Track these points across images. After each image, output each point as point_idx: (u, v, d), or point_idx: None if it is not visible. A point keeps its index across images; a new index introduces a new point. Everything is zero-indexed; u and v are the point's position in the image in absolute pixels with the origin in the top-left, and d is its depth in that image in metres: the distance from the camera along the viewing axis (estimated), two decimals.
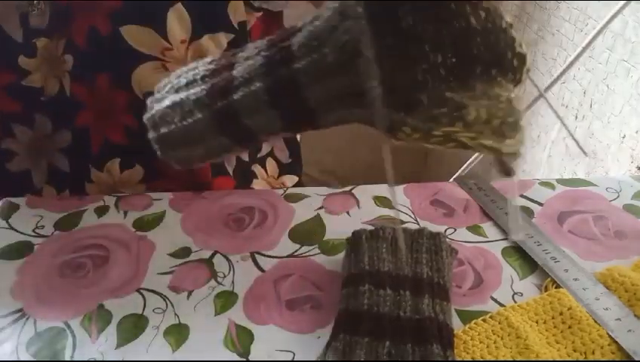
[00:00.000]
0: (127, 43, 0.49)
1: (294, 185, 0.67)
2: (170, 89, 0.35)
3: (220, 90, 0.32)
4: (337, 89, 0.30)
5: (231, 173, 0.58)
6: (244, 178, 0.61)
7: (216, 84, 0.33)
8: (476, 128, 0.29)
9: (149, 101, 0.37)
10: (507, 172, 0.31)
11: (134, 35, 0.49)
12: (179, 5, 0.49)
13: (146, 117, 0.37)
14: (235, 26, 0.52)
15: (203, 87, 0.33)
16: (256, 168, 0.63)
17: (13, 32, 0.49)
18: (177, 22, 0.49)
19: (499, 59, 0.30)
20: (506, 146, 0.30)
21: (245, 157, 0.61)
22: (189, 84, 0.34)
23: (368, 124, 0.31)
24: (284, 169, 0.66)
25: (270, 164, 0.65)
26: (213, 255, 0.45)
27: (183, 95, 0.34)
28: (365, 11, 0.28)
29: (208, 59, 0.35)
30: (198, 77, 0.34)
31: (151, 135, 0.36)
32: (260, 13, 0.57)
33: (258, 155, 0.63)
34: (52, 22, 0.49)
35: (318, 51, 0.30)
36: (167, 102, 0.35)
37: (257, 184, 0.62)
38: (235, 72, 0.32)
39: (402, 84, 0.29)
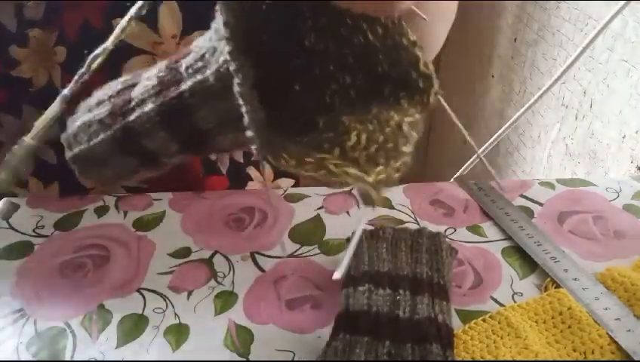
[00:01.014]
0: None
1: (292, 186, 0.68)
2: (85, 108, 0.35)
3: (119, 110, 0.32)
4: (222, 112, 0.29)
5: (224, 172, 0.59)
6: (238, 179, 0.61)
7: (117, 105, 0.32)
8: (351, 155, 0.28)
9: (68, 120, 0.36)
10: (367, 202, 0.29)
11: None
12: (171, 1, 0.49)
13: (62, 136, 0.36)
14: None
15: (107, 107, 0.33)
16: (251, 170, 0.63)
17: (7, 21, 0.50)
18: (169, 17, 0.50)
19: (404, 79, 0.29)
20: (374, 175, 0.28)
21: (240, 158, 0.61)
22: (99, 103, 0.34)
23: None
24: (279, 172, 0.66)
25: (266, 166, 0.64)
26: (213, 255, 0.45)
27: (91, 114, 0.34)
28: (229, 31, 0.26)
29: (128, 76, 0.34)
30: (106, 96, 0.34)
31: (67, 154, 0.36)
32: None
33: (253, 158, 0.63)
34: (46, 14, 0.49)
35: (201, 73, 0.29)
36: (78, 121, 0.35)
37: (252, 186, 0.63)
38: (133, 93, 0.32)
39: (301, 107, 0.28)
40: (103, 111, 0.33)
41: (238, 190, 0.56)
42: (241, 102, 0.26)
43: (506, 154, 1.42)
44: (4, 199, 0.51)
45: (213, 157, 0.58)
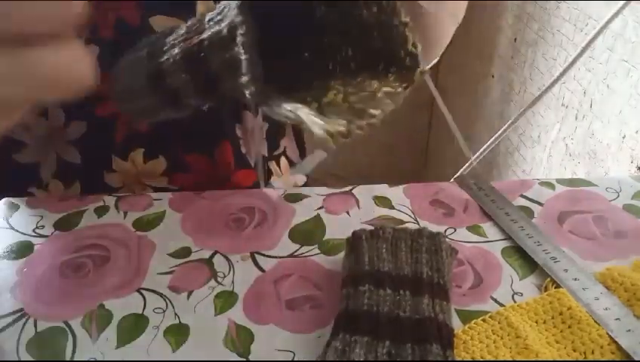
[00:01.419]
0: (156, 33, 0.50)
1: (302, 186, 0.68)
2: (132, 50, 0.39)
3: (155, 52, 0.36)
4: (230, 60, 0.33)
5: (253, 166, 0.59)
6: (263, 173, 0.62)
7: (154, 48, 0.37)
8: (324, 109, 0.31)
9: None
10: (296, 167, 0.33)
11: (164, 26, 0.49)
12: None
13: (112, 71, 0.39)
14: None
15: (147, 49, 0.37)
16: (272, 165, 0.64)
17: None
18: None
19: (394, 55, 0.32)
20: (337, 126, 0.30)
21: (265, 152, 0.62)
22: (143, 47, 0.38)
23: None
24: (294, 168, 0.68)
25: (283, 162, 0.66)
26: (213, 255, 0.45)
27: (135, 55, 0.38)
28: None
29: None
30: (148, 42, 0.37)
31: (113, 89, 0.39)
32: None
33: (274, 153, 0.65)
34: None
35: (218, 24, 0.33)
36: (126, 60, 0.38)
37: (275, 180, 0.64)
38: (167, 39, 0.36)
39: (303, 72, 0.32)
40: (143, 52, 0.37)
41: (238, 190, 0.56)
42: (241, 51, 0.30)
43: (506, 154, 1.42)
44: (4, 199, 0.51)
45: (243, 150, 0.58)
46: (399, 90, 0.32)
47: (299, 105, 0.30)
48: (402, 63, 0.32)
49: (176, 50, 0.35)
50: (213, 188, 0.54)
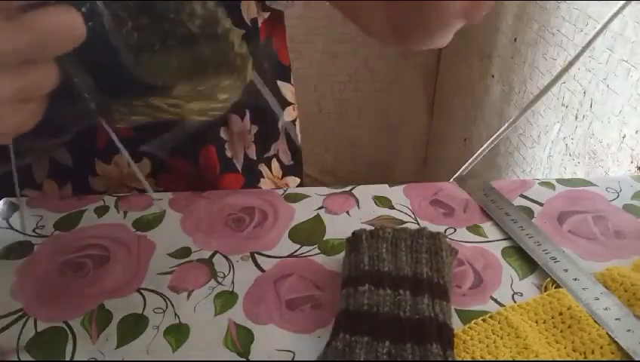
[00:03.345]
0: None
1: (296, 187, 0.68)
2: None
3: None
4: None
5: (240, 169, 0.59)
6: (252, 176, 0.62)
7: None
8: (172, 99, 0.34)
9: None
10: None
11: None
12: None
13: None
14: (248, 22, 0.53)
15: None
16: (263, 168, 0.64)
17: None
18: None
19: (223, 60, 0.34)
20: (190, 105, 0.34)
21: (253, 155, 0.62)
22: None
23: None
24: (286, 171, 0.67)
25: (274, 165, 0.66)
26: (213, 255, 0.45)
27: None
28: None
29: None
30: None
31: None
32: (268, 14, 0.58)
33: (264, 155, 0.64)
34: None
35: None
36: None
37: (264, 183, 0.63)
38: None
39: (134, 89, 0.34)
40: None
41: (237, 190, 0.56)
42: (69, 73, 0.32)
43: (506, 154, 1.42)
44: (4, 199, 0.51)
45: (229, 154, 0.58)
46: (238, 83, 0.35)
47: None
48: (233, 65, 0.34)
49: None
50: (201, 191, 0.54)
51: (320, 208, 0.50)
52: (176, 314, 0.39)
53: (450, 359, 0.33)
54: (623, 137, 0.95)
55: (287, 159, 0.68)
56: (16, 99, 0.28)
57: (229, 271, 0.43)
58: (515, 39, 1.35)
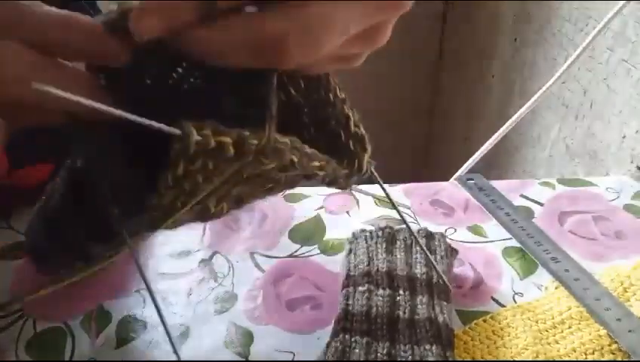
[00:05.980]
0: None
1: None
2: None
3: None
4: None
5: None
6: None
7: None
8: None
9: None
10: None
11: None
12: None
13: None
14: None
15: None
16: None
17: None
18: None
19: (332, 141, 0.25)
20: None
21: None
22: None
23: None
24: None
25: None
26: (213, 255, 0.45)
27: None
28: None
29: None
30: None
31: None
32: None
33: None
34: None
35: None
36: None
37: None
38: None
39: None
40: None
41: None
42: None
43: (506, 154, 1.42)
44: None
45: None
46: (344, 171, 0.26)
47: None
48: (346, 148, 0.25)
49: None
50: None
51: (320, 208, 0.50)
52: (176, 314, 0.39)
53: (450, 359, 0.33)
54: (623, 137, 0.95)
55: None
56: None
57: (229, 271, 0.43)
58: (515, 39, 1.35)
